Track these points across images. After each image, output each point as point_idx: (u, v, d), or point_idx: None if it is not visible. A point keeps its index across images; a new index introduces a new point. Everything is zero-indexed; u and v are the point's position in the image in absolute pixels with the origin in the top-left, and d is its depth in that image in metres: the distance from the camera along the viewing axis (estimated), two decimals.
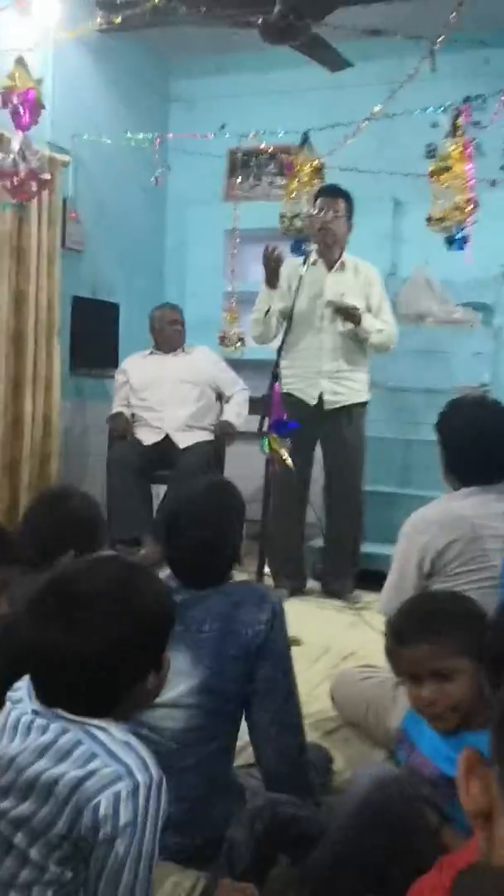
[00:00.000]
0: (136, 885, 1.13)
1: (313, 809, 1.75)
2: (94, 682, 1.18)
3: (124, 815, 1.11)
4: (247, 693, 1.71)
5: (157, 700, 1.53)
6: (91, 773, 1.12)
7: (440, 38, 3.41)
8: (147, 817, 1.12)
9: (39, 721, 1.18)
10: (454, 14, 3.27)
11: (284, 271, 3.90)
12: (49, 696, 1.20)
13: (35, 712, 1.19)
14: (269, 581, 3.98)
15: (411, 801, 1.54)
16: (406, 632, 1.67)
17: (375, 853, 1.46)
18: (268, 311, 3.96)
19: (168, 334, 4.61)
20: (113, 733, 1.16)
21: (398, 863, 1.42)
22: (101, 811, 1.10)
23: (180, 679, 1.64)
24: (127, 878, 1.12)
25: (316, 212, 3.86)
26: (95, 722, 1.17)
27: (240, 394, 4.63)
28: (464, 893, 0.72)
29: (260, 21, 3.62)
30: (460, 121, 3.52)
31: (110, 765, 1.13)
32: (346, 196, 3.98)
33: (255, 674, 1.69)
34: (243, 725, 1.78)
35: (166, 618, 1.28)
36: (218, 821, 1.66)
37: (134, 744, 1.16)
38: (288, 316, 3.66)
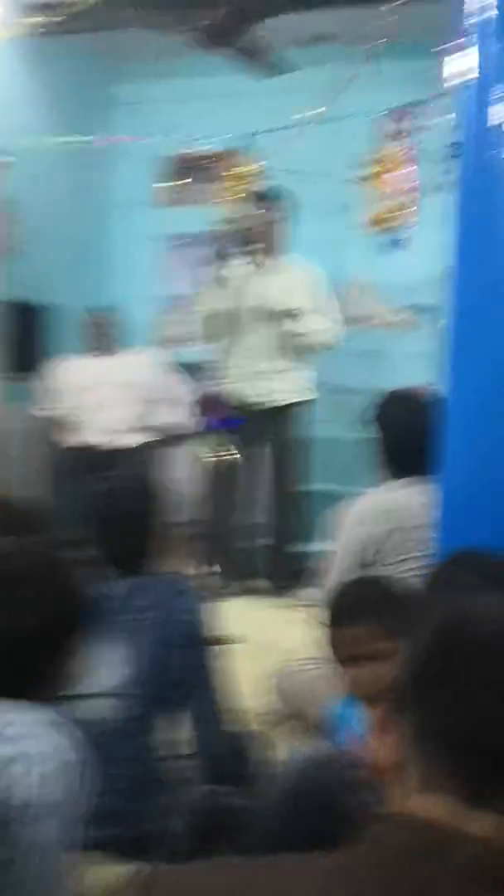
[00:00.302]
0: (63, 867, 1.13)
1: (250, 798, 1.76)
2: (16, 662, 1.18)
3: (51, 795, 1.11)
4: (186, 682, 1.72)
5: (98, 689, 1.54)
6: (18, 754, 1.12)
7: (379, 44, 3.47)
8: (73, 797, 1.13)
9: None
10: (391, 19, 3.33)
11: (225, 274, 3.93)
12: None
13: None
14: (216, 580, 4.00)
15: (343, 784, 1.56)
16: (341, 615, 1.69)
17: (303, 836, 1.47)
18: (209, 314, 4.00)
19: (102, 337, 4.61)
20: (37, 715, 1.17)
21: (330, 844, 1.44)
22: (28, 791, 1.10)
23: (121, 668, 1.67)
24: (52, 859, 1.12)
25: (254, 214, 3.90)
26: (21, 703, 1.17)
27: (181, 396, 4.63)
28: (371, 839, 0.75)
29: (200, 26, 3.66)
30: (401, 125, 3.59)
31: (36, 746, 1.13)
32: (285, 198, 4.03)
33: (194, 661, 1.73)
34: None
35: (81, 599, 1.29)
36: (156, 812, 1.67)
37: (61, 725, 1.17)
38: (227, 316, 3.70)
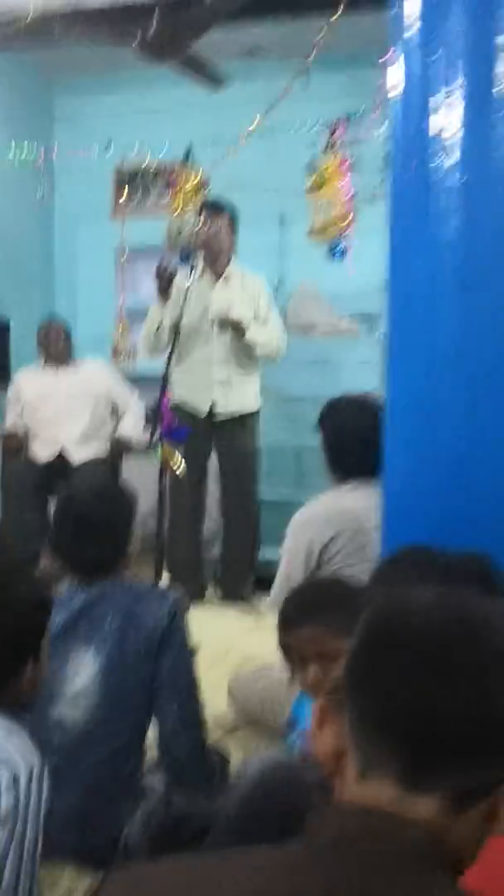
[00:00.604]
0: (21, 876, 1.14)
1: (207, 805, 1.78)
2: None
3: (4, 804, 1.11)
4: (152, 687, 1.76)
5: (62, 692, 1.56)
6: None
7: (311, 57, 3.54)
8: (28, 805, 1.13)
9: None
10: (322, 34, 3.40)
11: (172, 285, 3.97)
12: None
13: None
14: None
15: (299, 786, 1.58)
16: (292, 616, 1.73)
17: (260, 841, 1.49)
18: (159, 326, 4.02)
19: (54, 349, 4.59)
20: None
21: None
22: None
23: (84, 672, 1.70)
24: (11, 867, 1.13)
25: (199, 226, 3.93)
26: None
27: (135, 407, 4.64)
28: (315, 828, 0.76)
29: (137, 40, 3.68)
30: (335, 136, 3.65)
31: None
32: (229, 210, 4.08)
33: (160, 665, 1.75)
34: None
35: (42, 606, 1.31)
36: (117, 820, 1.68)
37: (15, 731, 1.18)
38: (175, 328, 3.72)
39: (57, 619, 1.70)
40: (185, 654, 1.83)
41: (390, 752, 0.75)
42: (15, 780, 1.12)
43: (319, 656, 1.66)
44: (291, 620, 1.73)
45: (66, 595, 1.79)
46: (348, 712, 0.79)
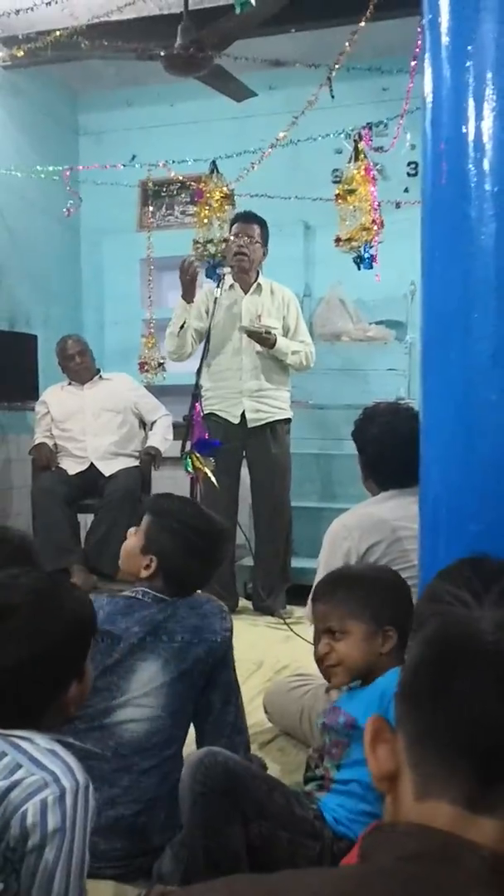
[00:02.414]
0: (69, 892, 1.14)
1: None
2: (18, 692, 1.19)
3: (52, 822, 1.11)
4: (203, 699, 1.83)
5: (128, 701, 1.68)
6: (16, 783, 1.13)
7: (336, 66, 3.54)
8: (75, 822, 1.13)
9: None
10: (348, 44, 3.40)
11: (201, 295, 3.98)
12: None
13: None
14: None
15: (233, 764, 1.57)
16: (316, 592, 1.84)
17: (230, 821, 1.50)
18: (182, 325, 4.04)
19: (71, 367, 4.61)
20: (37, 742, 1.18)
21: (253, 822, 1.49)
22: (29, 819, 1.11)
23: (149, 684, 1.75)
24: (58, 886, 1.13)
25: (232, 237, 3.94)
26: (19, 733, 1.18)
27: (163, 419, 4.65)
28: (371, 849, 0.75)
29: (162, 54, 3.71)
30: (361, 145, 3.65)
31: (35, 773, 1.14)
32: (261, 221, 4.11)
33: (217, 679, 1.83)
34: None
35: (87, 628, 1.31)
36: (165, 828, 1.69)
37: (59, 751, 1.18)
38: (205, 338, 3.74)
39: (133, 628, 1.78)
40: (234, 670, 1.92)
41: (453, 770, 0.73)
42: (61, 797, 1.12)
43: (326, 631, 1.76)
44: (314, 595, 1.84)
45: (137, 607, 1.82)
46: (406, 730, 0.78)
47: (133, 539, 1.95)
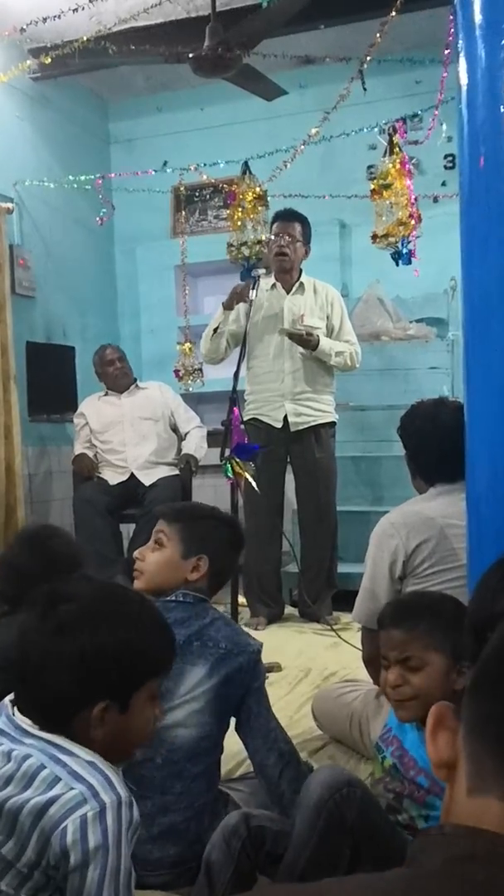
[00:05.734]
0: None
1: (283, 819, 1.74)
2: (44, 682, 1.16)
3: (93, 840, 1.07)
4: (244, 707, 1.81)
5: (177, 706, 1.68)
6: (54, 799, 1.08)
7: (367, 60, 3.49)
8: (119, 838, 1.09)
9: (4, 747, 1.15)
10: (378, 35, 3.34)
11: (245, 298, 3.95)
12: (27, 705, 1.18)
13: (2, 732, 1.17)
14: (244, 610, 3.96)
15: (368, 803, 1.53)
16: (386, 617, 1.74)
17: (339, 856, 1.44)
18: (216, 328, 4.01)
19: (110, 373, 4.60)
20: (78, 753, 1.13)
21: (365, 864, 1.42)
22: (69, 837, 1.06)
23: (197, 688, 1.73)
24: None
25: (271, 237, 3.90)
26: (60, 742, 1.14)
27: (196, 430, 4.62)
28: (419, 853, 0.71)
29: (191, 56, 3.69)
30: (396, 139, 3.58)
31: (74, 787, 1.09)
32: (302, 219, 4.05)
33: (251, 686, 1.80)
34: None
35: (141, 659, 1.24)
36: (211, 831, 1.66)
37: (98, 762, 1.13)
38: (241, 341, 3.69)
39: (179, 631, 1.74)
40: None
41: (501, 763, 0.70)
42: (101, 813, 1.08)
43: (401, 662, 1.66)
44: (384, 620, 1.74)
45: (179, 609, 1.80)
46: (468, 719, 0.74)
47: (167, 550, 1.90)
